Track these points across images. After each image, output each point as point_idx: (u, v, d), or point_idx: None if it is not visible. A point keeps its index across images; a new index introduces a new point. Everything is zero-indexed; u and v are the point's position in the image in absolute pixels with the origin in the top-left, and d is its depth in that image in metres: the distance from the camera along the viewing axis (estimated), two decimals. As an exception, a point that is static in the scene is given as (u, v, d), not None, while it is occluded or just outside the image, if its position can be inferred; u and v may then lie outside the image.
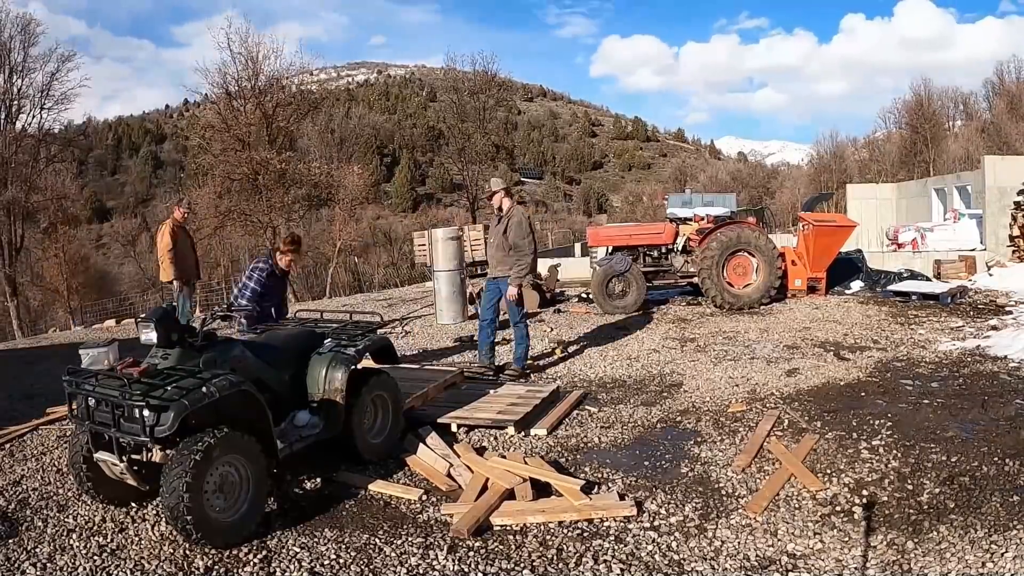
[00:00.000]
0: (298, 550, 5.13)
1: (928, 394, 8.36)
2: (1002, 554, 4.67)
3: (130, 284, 60.66)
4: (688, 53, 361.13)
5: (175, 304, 11.92)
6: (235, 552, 5.07)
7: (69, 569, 4.94)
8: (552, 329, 13.67)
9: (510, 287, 9.86)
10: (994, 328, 11.73)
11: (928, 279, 17.43)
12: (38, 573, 4.91)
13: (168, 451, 5.17)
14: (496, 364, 10.18)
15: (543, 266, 20.95)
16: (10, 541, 5.36)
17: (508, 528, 5.43)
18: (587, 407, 8.52)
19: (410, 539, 5.28)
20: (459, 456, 6.75)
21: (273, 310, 8.91)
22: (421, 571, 4.84)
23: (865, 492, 5.83)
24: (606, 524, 5.44)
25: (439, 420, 7.64)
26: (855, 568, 4.71)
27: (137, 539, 5.35)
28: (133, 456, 5.38)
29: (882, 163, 72.37)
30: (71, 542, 5.32)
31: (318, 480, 6.45)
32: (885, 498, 5.72)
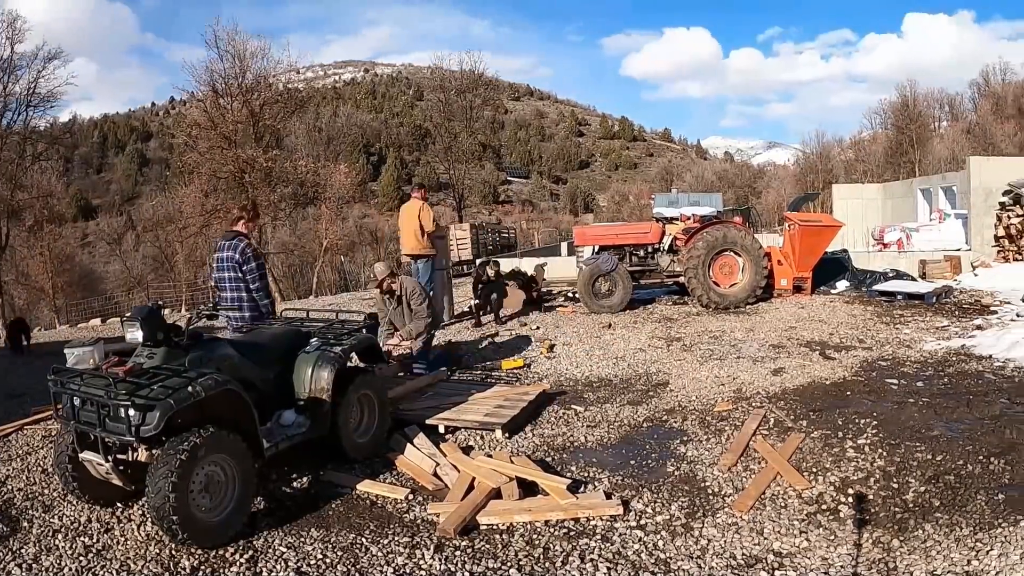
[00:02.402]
0: (284, 550, 5.13)
1: (913, 393, 8.39)
2: (987, 552, 4.69)
3: (116, 283, 60.41)
4: (733, 61, 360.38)
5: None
6: (221, 552, 5.06)
7: (55, 570, 4.92)
8: (538, 328, 13.67)
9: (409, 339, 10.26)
10: (979, 328, 11.78)
11: (913, 279, 17.48)
12: (24, 574, 4.89)
13: (154, 451, 5.15)
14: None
15: (529, 265, 20.95)
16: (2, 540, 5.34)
17: (495, 527, 5.43)
18: (573, 406, 8.53)
19: (396, 538, 5.28)
20: (446, 455, 6.75)
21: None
22: (408, 570, 4.84)
23: (851, 491, 5.86)
24: (592, 523, 5.45)
25: (427, 422, 7.64)
26: (841, 566, 4.73)
27: (123, 539, 5.33)
28: (119, 456, 5.36)
29: (868, 163, 72.75)
30: (57, 542, 5.30)
31: (304, 479, 6.44)
32: (871, 496, 5.74)
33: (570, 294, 17.65)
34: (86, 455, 5.43)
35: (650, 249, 16.59)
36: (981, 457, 6.27)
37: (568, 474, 6.39)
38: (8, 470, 6.88)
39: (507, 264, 22.68)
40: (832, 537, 5.13)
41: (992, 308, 13.72)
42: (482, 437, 7.43)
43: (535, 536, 5.27)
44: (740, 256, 15.19)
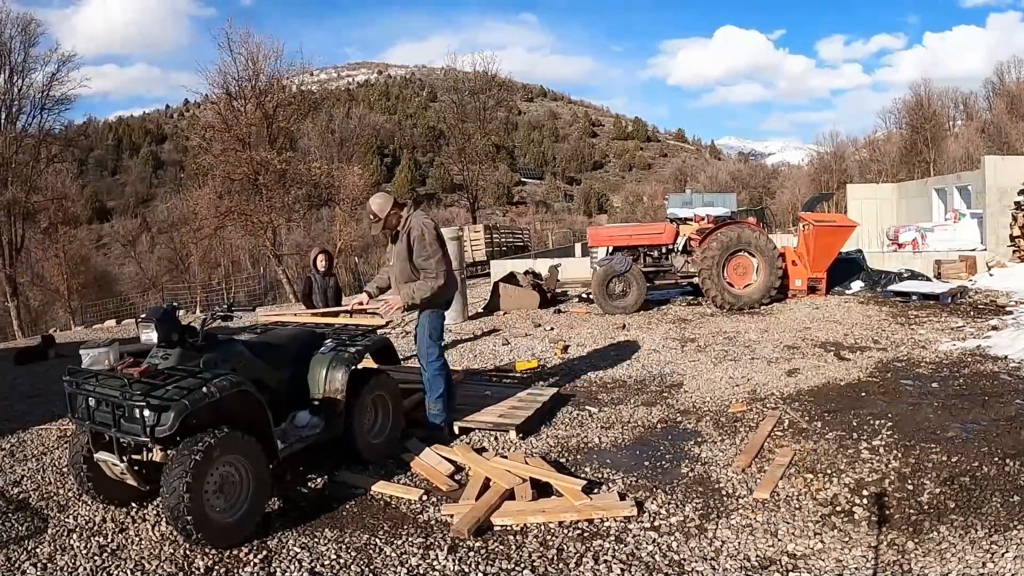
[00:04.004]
0: (298, 550, 5.13)
1: (928, 394, 8.36)
2: (1002, 554, 4.66)
3: (130, 284, 60.68)
4: (785, 67, 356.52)
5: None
6: (235, 552, 5.07)
7: (69, 569, 4.94)
8: (552, 329, 13.67)
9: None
10: (994, 328, 11.73)
11: (928, 279, 17.43)
12: (39, 573, 4.91)
13: (168, 451, 5.17)
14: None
15: (543, 266, 20.96)
16: (19, 540, 5.36)
17: (508, 528, 5.43)
18: (587, 407, 8.52)
19: (410, 539, 5.28)
20: (459, 456, 6.75)
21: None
22: (421, 571, 4.84)
23: (865, 492, 5.83)
24: (606, 524, 5.44)
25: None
26: (856, 568, 4.71)
27: (137, 539, 5.35)
28: (133, 456, 5.38)
29: (882, 163, 72.52)
30: (71, 542, 5.32)
31: (319, 480, 6.45)
32: (886, 498, 5.72)
33: (584, 295, 17.66)
34: (101, 455, 5.45)
35: (664, 250, 16.61)
36: (997, 459, 6.24)
37: (582, 475, 6.38)
38: (23, 470, 6.93)
39: (521, 265, 22.72)
40: (847, 539, 5.10)
41: (1008, 308, 13.66)
42: (496, 438, 7.43)
43: (549, 537, 5.27)
44: (754, 257, 15.17)
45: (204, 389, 5.12)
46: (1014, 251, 19.73)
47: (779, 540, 5.13)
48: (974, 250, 20.79)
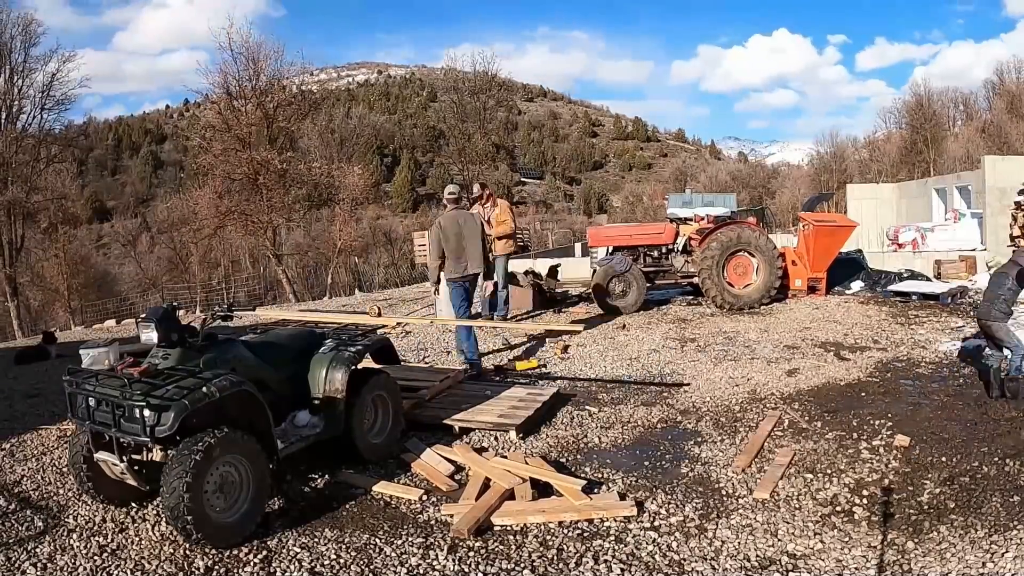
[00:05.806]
0: (298, 550, 5.14)
1: (928, 394, 8.36)
2: (1002, 554, 4.67)
3: (130, 284, 60.56)
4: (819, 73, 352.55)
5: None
6: (235, 552, 5.08)
7: (69, 569, 4.94)
8: (552, 329, 13.66)
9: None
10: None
11: (928, 279, 17.40)
12: (38, 573, 4.91)
13: (168, 451, 5.17)
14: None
15: (543, 266, 20.96)
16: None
17: (508, 528, 5.43)
18: (587, 407, 8.52)
19: (410, 539, 5.28)
20: (460, 456, 6.75)
21: None
22: (421, 571, 4.85)
23: (865, 492, 5.84)
24: (606, 524, 5.44)
25: (443, 422, 7.65)
26: (856, 568, 4.71)
27: (137, 539, 5.35)
28: (133, 456, 5.38)
29: (882, 163, 72.40)
30: (71, 542, 5.32)
31: (319, 480, 6.45)
32: (886, 498, 5.72)
33: (584, 295, 17.65)
34: (101, 455, 5.46)
35: (664, 250, 16.57)
36: (996, 459, 6.25)
37: (582, 475, 6.39)
38: (23, 470, 6.92)
39: (521, 265, 22.71)
40: (847, 539, 5.11)
41: (1008, 308, 13.64)
42: (496, 438, 7.43)
43: (549, 537, 5.27)
44: (754, 256, 15.15)
45: (204, 389, 5.12)
46: (1014, 251, 19.69)
47: (779, 540, 5.13)
48: (974, 250, 20.77)
